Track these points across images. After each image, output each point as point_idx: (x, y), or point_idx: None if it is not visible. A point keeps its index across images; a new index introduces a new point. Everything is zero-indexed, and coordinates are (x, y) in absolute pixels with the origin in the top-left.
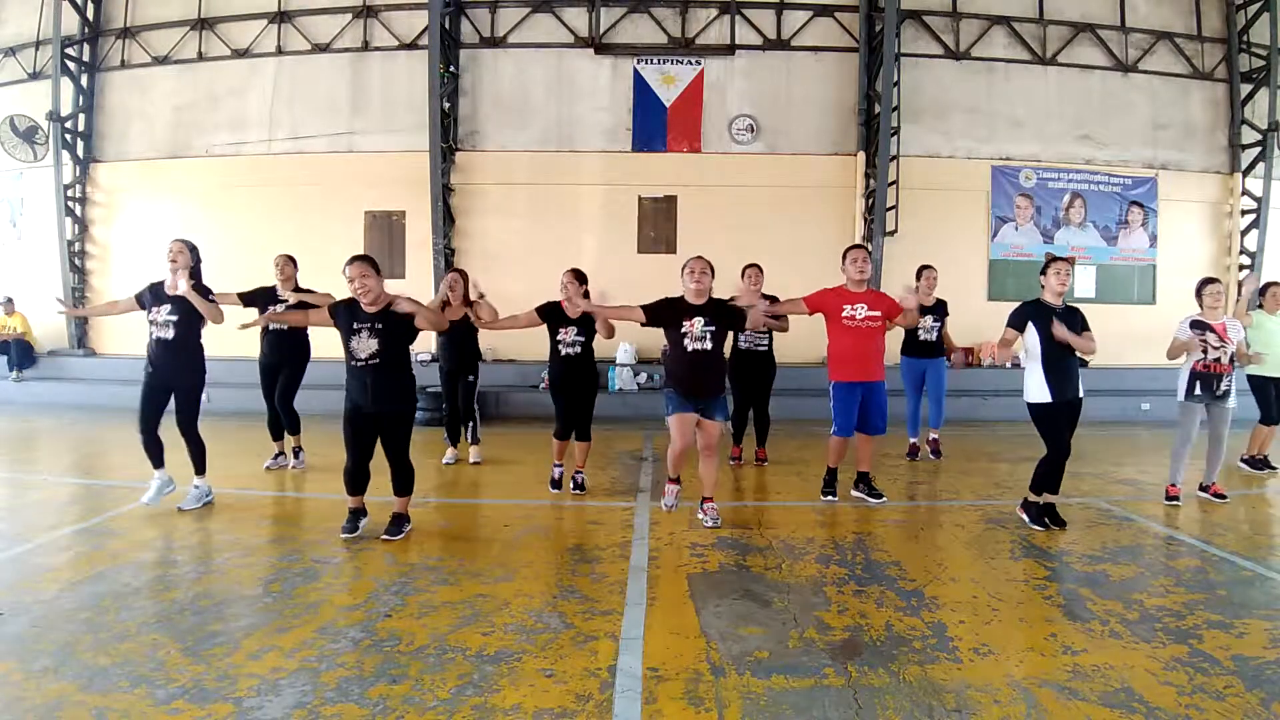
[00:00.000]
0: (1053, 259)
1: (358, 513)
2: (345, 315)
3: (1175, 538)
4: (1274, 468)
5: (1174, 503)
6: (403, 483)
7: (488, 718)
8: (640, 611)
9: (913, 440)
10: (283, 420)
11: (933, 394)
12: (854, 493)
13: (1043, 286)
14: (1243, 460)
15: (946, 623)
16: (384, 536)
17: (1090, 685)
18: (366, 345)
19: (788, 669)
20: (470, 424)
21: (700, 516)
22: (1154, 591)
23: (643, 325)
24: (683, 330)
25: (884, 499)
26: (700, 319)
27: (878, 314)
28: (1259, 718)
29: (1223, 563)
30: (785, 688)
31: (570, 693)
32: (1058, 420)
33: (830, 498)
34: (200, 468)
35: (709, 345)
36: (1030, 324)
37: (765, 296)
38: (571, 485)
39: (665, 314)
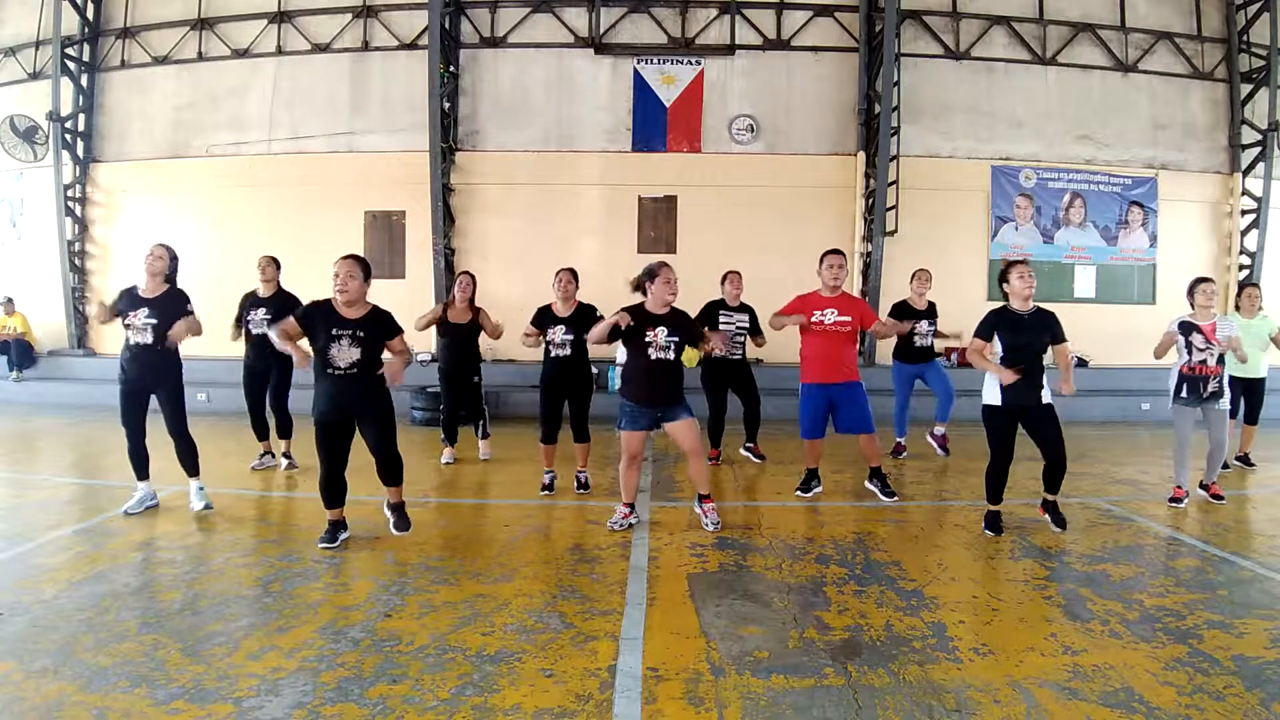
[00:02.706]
0: (1011, 263)
1: (338, 525)
2: (322, 319)
3: (1175, 538)
4: (1252, 464)
5: (1178, 504)
6: (392, 473)
7: (488, 718)
8: (640, 611)
9: (899, 440)
10: (276, 422)
11: (940, 390)
12: (868, 485)
13: (1007, 295)
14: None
15: (946, 623)
16: (395, 532)
17: (1090, 685)
18: (348, 354)
19: (788, 669)
20: (480, 421)
21: (700, 516)
22: (1154, 591)
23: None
24: (647, 339)
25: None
26: (664, 329)
27: (848, 319)
28: (1259, 718)
29: (1223, 563)
30: (785, 688)
31: (570, 693)
32: (1003, 425)
33: (800, 494)
34: (193, 469)
35: (671, 355)
36: (995, 333)
37: (743, 306)
38: (575, 485)
39: (632, 322)
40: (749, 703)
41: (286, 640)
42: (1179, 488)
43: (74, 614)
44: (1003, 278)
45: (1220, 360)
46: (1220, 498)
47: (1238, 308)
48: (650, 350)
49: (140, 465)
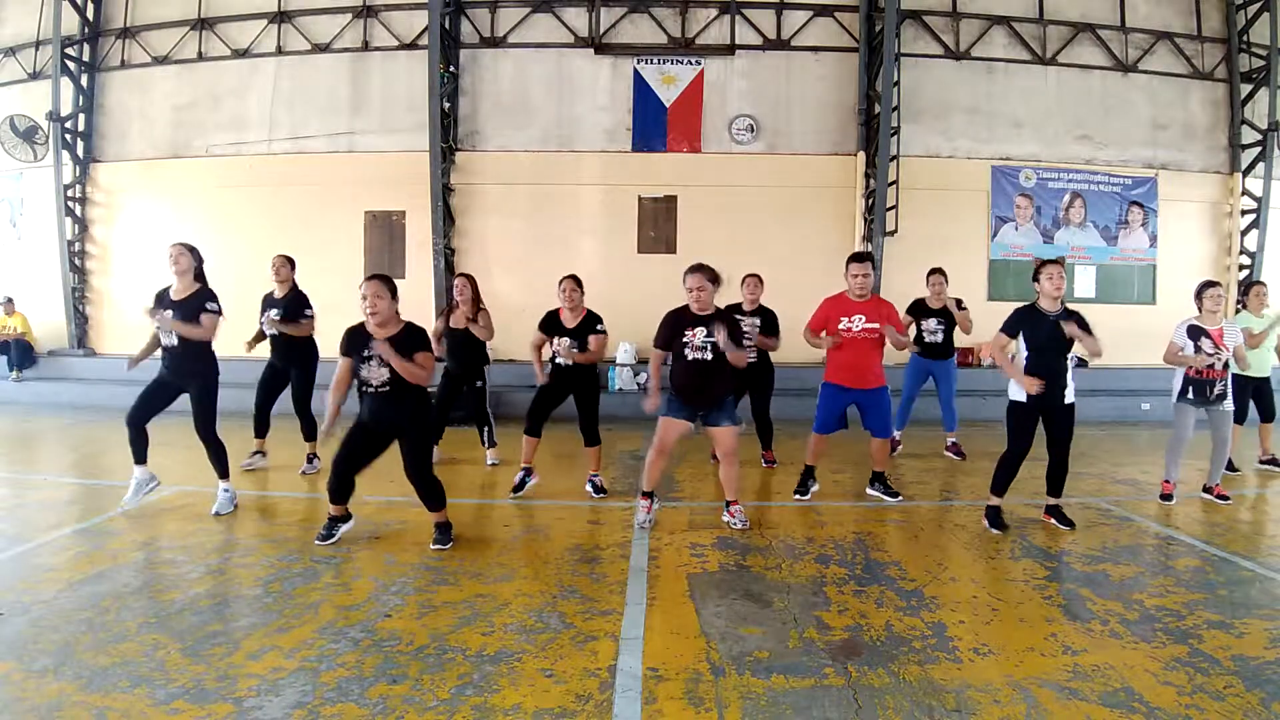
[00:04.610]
0: (1043, 263)
1: (337, 520)
2: (355, 342)
3: (1175, 538)
4: (1268, 465)
5: (1167, 500)
6: (432, 498)
7: (488, 718)
8: (640, 611)
9: (895, 435)
10: (302, 427)
11: (942, 397)
12: (869, 491)
13: (1038, 293)
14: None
15: (946, 623)
16: (433, 546)
17: (1090, 685)
18: (378, 374)
19: (788, 669)
20: (485, 429)
21: (727, 519)
22: (1154, 591)
23: (666, 352)
24: (684, 340)
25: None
26: (703, 329)
27: (875, 325)
28: (1259, 718)
29: (1223, 563)
30: (785, 688)
31: (570, 693)
32: (1026, 420)
33: (799, 497)
34: (223, 472)
35: (709, 355)
36: (1021, 330)
37: (759, 309)
38: (591, 490)
39: (671, 331)
40: (749, 703)
41: (286, 640)
42: (1168, 483)
43: (74, 614)
44: (1035, 276)
45: (1226, 364)
46: (1226, 498)
47: (1244, 306)
48: (688, 351)
49: (138, 449)
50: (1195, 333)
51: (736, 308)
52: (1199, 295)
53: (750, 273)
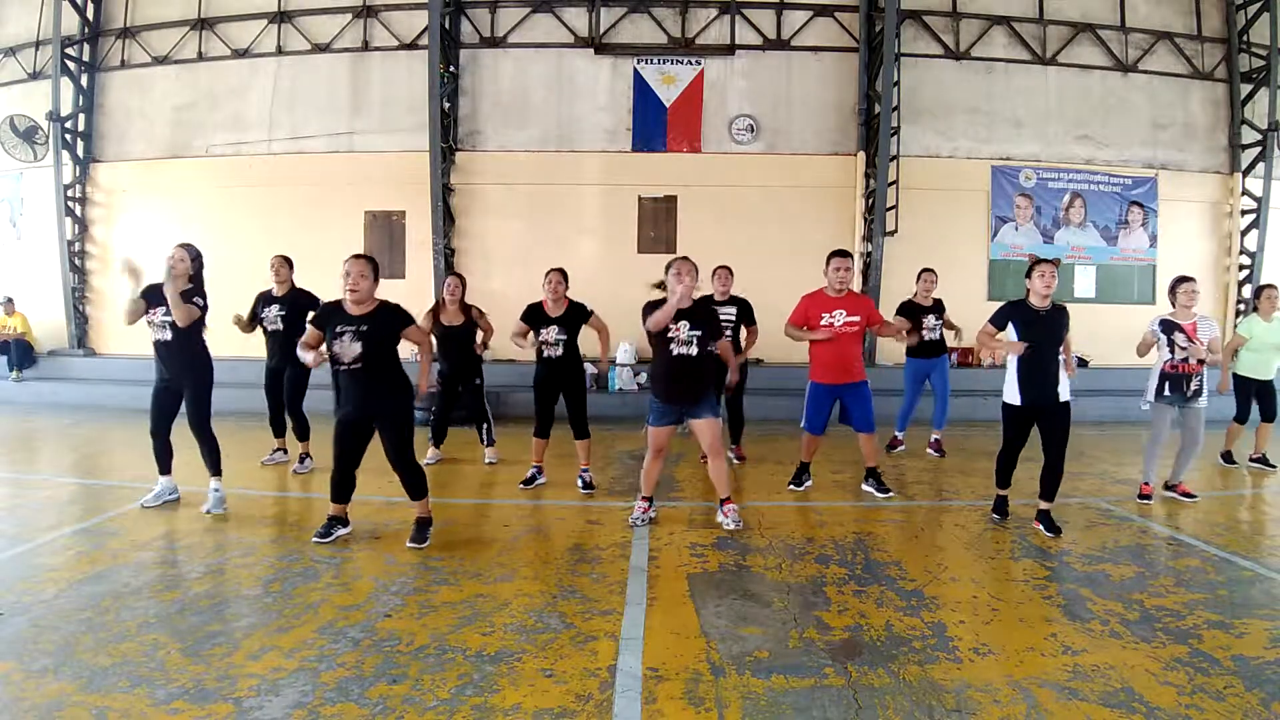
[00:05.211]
0: (1037, 261)
1: (336, 520)
2: (331, 318)
3: (1175, 538)
4: (1273, 465)
5: (1146, 501)
6: (414, 486)
7: (488, 718)
8: (640, 611)
9: (897, 434)
10: (294, 426)
11: (938, 393)
12: (864, 487)
13: (1028, 289)
14: (1222, 456)
15: (946, 623)
16: (409, 544)
17: (1090, 685)
18: (349, 349)
19: (788, 669)
20: (484, 426)
21: (721, 519)
22: (1154, 591)
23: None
24: (669, 334)
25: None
26: (685, 323)
27: (856, 319)
28: (1259, 718)
29: (1223, 563)
30: (785, 688)
31: (570, 693)
32: (1020, 422)
33: (793, 487)
34: (215, 469)
35: (694, 350)
36: (1010, 324)
37: (732, 300)
38: (580, 484)
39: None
40: (749, 703)
41: (286, 640)
42: (1146, 484)
43: (74, 614)
44: (1027, 273)
45: (1201, 360)
46: (1192, 496)
47: (1255, 309)
48: (672, 346)
49: (162, 460)
50: (1169, 327)
51: (708, 299)
52: (1173, 290)
53: (720, 265)
